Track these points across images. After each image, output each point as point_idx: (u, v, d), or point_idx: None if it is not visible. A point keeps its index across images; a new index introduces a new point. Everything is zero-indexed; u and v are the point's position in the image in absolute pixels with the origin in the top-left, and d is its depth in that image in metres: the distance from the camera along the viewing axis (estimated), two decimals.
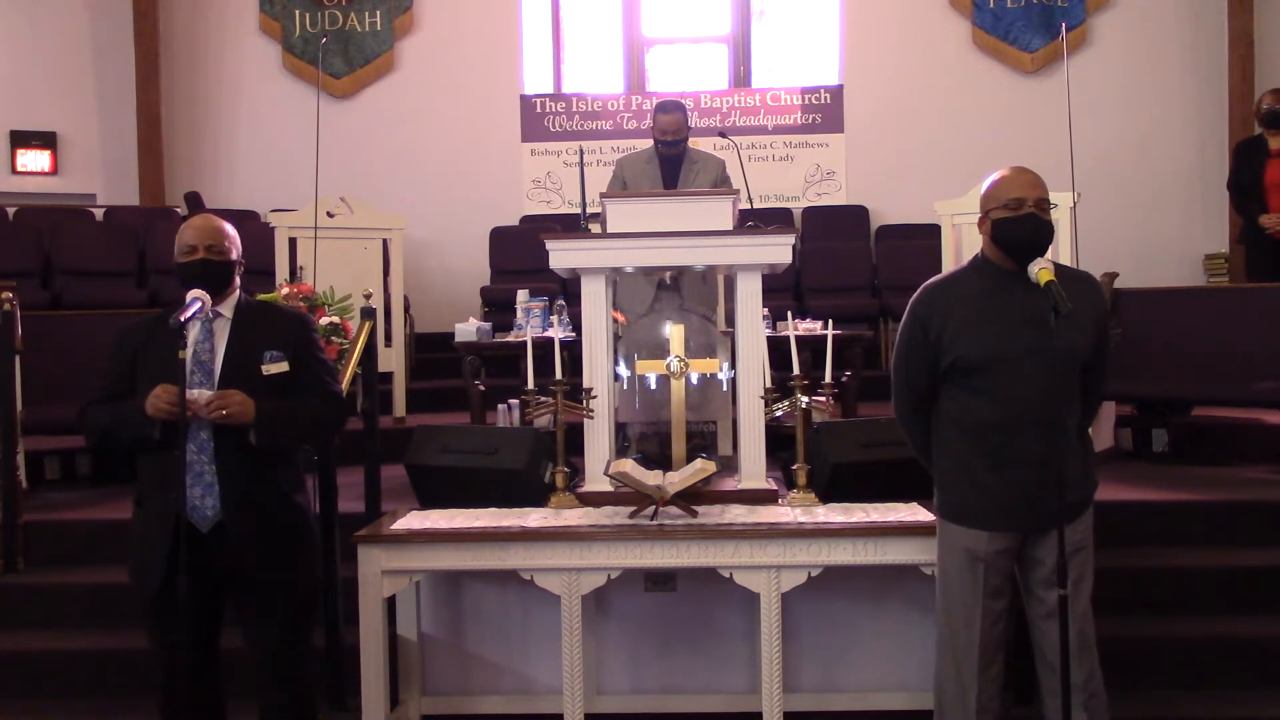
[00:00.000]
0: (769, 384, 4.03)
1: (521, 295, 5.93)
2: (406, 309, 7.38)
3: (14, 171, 9.40)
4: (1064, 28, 7.90)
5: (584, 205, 4.87)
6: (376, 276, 6.52)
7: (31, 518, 4.67)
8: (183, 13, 9.62)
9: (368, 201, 6.90)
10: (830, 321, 4.42)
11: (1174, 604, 4.17)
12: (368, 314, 4.35)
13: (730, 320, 4.35)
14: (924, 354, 3.05)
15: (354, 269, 6.24)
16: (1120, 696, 3.28)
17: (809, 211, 9.31)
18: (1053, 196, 2.98)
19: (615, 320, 4.43)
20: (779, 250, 3.92)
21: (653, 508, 3.61)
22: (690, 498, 3.65)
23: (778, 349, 5.02)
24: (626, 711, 3.95)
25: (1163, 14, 9.20)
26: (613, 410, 4.11)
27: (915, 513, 3.62)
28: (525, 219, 9.34)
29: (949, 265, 6.29)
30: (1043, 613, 3.03)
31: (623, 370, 4.27)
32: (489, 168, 9.43)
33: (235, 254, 3.13)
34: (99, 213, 9.12)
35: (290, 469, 3.18)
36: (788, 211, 9.13)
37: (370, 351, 4.34)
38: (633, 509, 3.64)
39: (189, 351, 3.00)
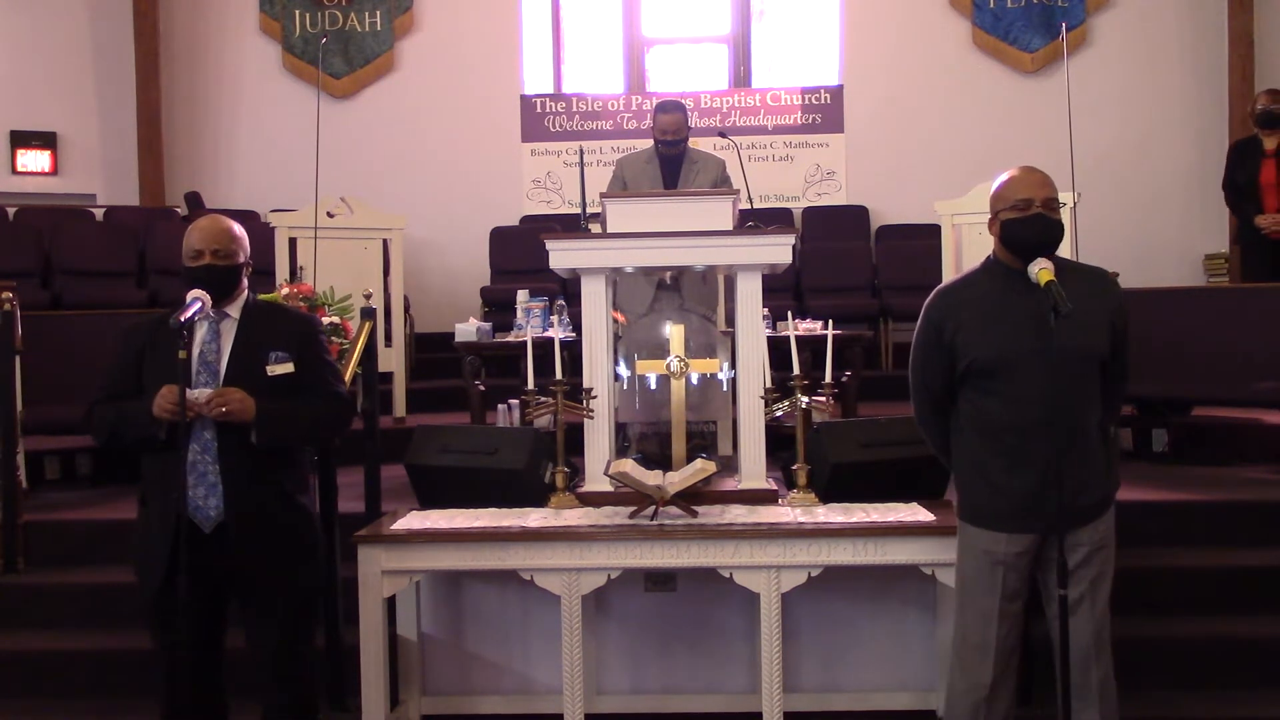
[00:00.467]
0: (769, 384, 4.03)
1: (521, 295, 5.93)
2: (406, 309, 7.38)
3: (14, 171, 9.40)
4: (1064, 28, 7.89)
5: (584, 205, 4.87)
6: (376, 276, 6.52)
7: (31, 518, 4.67)
8: (183, 13, 9.62)
9: (368, 201, 6.91)
10: (830, 321, 4.42)
11: (1174, 604, 4.17)
12: (368, 314, 4.35)
13: (730, 320, 4.35)
14: (939, 357, 3.05)
15: (354, 269, 6.25)
16: (1121, 696, 3.27)
17: (809, 211, 9.31)
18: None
19: (615, 320, 4.43)
20: (779, 250, 3.92)
21: (653, 508, 3.61)
22: (690, 498, 3.65)
23: (778, 349, 5.03)
24: (626, 711, 3.95)
25: (1163, 14, 9.20)
26: (613, 410, 4.11)
27: (915, 513, 3.62)
28: (525, 219, 9.34)
29: (949, 265, 6.30)
30: (1060, 613, 3.02)
31: (623, 370, 4.27)
32: (489, 168, 9.43)
33: (243, 256, 3.13)
34: (99, 213, 9.12)
35: (294, 470, 3.19)
36: (788, 211, 9.13)
37: (370, 351, 4.34)
38: (633, 509, 3.64)
39: (195, 352, 3.01)
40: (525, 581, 3.58)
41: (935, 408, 3.14)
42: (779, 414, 3.90)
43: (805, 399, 3.81)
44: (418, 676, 3.95)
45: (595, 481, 3.94)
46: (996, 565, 3.00)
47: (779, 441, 4.58)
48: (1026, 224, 2.96)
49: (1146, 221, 8.96)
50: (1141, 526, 4.49)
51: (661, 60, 9.89)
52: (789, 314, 4.23)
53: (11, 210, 8.78)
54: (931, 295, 3.14)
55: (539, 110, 9.57)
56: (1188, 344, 5.58)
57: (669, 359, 3.99)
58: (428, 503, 4.10)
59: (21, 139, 9.39)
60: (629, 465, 3.74)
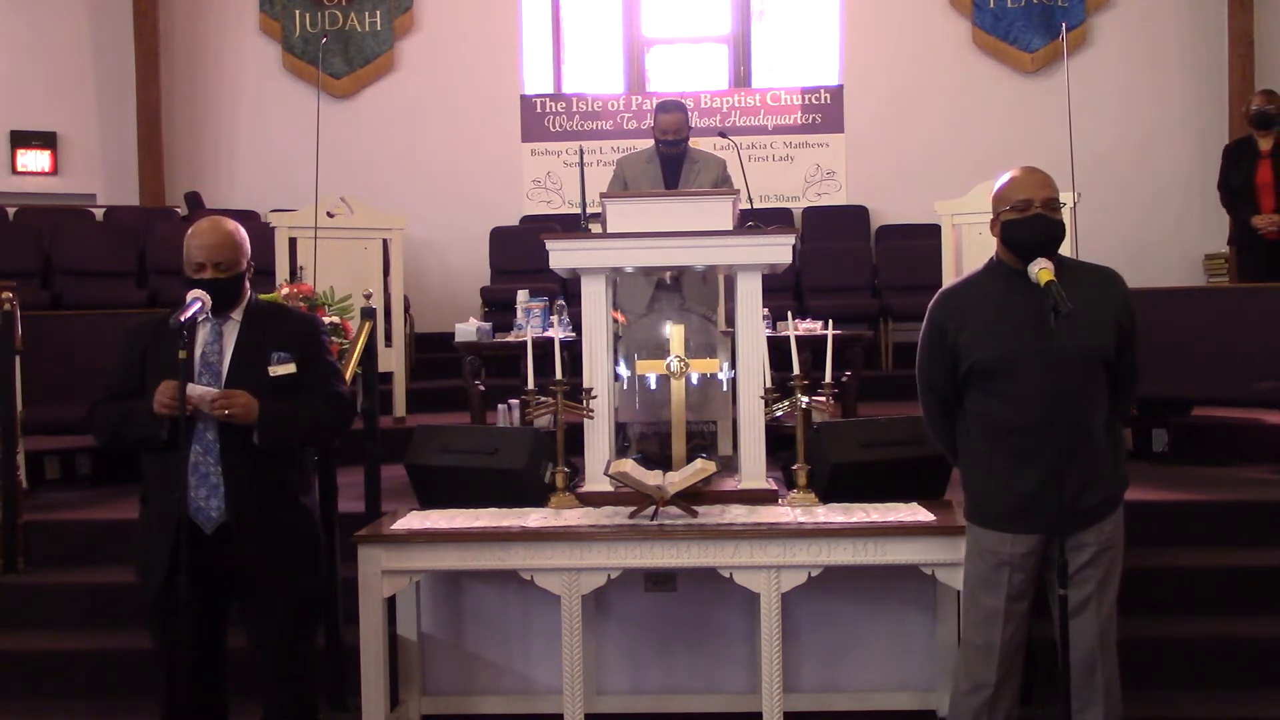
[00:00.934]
0: (769, 384, 4.03)
1: (521, 295, 5.93)
2: (406, 309, 7.38)
3: (14, 171, 9.40)
4: (1064, 28, 7.89)
5: (584, 205, 4.87)
6: (376, 276, 6.52)
7: (31, 518, 4.67)
8: (183, 13, 9.62)
9: (368, 201, 6.91)
10: (830, 321, 4.42)
11: (1174, 604, 4.17)
12: (368, 314, 4.35)
13: (730, 320, 4.35)
14: (943, 358, 3.06)
15: (354, 269, 6.25)
16: (1121, 696, 3.27)
17: (809, 211, 9.31)
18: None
19: (615, 320, 4.43)
20: (779, 250, 3.92)
21: (653, 508, 3.60)
22: (690, 498, 3.65)
23: (778, 349, 5.03)
24: (626, 711, 3.95)
25: (1163, 14, 9.20)
26: (613, 410, 4.11)
27: (915, 513, 3.62)
28: (525, 219, 9.34)
29: (949, 265, 6.30)
30: (1060, 613, 3.02)
31: (623, 370, 4.27)
32: (489, 168, 9.42)
33: (245, 260, 3.12)
34: (99, 213, 9.12)
35: (297, 470, 3.19)
36: (788, 211, 9.13)
37: (370, 351, 4.34)
38: (633, 509, 3.64)
39: (197, 352, 3.01)
40: (525, 581, 3.58)
41: (943, 408, 3.14)
42: (779, 414, 3.90)
43: (805, 399, 3.81)
44: (418, 676, 3.95)
45: (595, 481, 3.94)
46: (1002, 565, 3.00)
47: (779, 441, 4.57)
48: (1026, 225, 2.97)
49: (1146, 221, 8.96)
50: (1141, 526, 4.47)
51: (661, 60, 9.89)
52: (789, 314, 4.23)
53: (11, 210, 8.78)
54: (935, 296, 3.14)
55: (539, 110, 9.56)
56: (1188, 344, 5.58)
57: (669, 359, 3.99)
58: (428, 503, 4.10)
59: (21, 139, 9.39)
60: (629, 465, 3.74)
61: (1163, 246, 8.86)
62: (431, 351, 7.79)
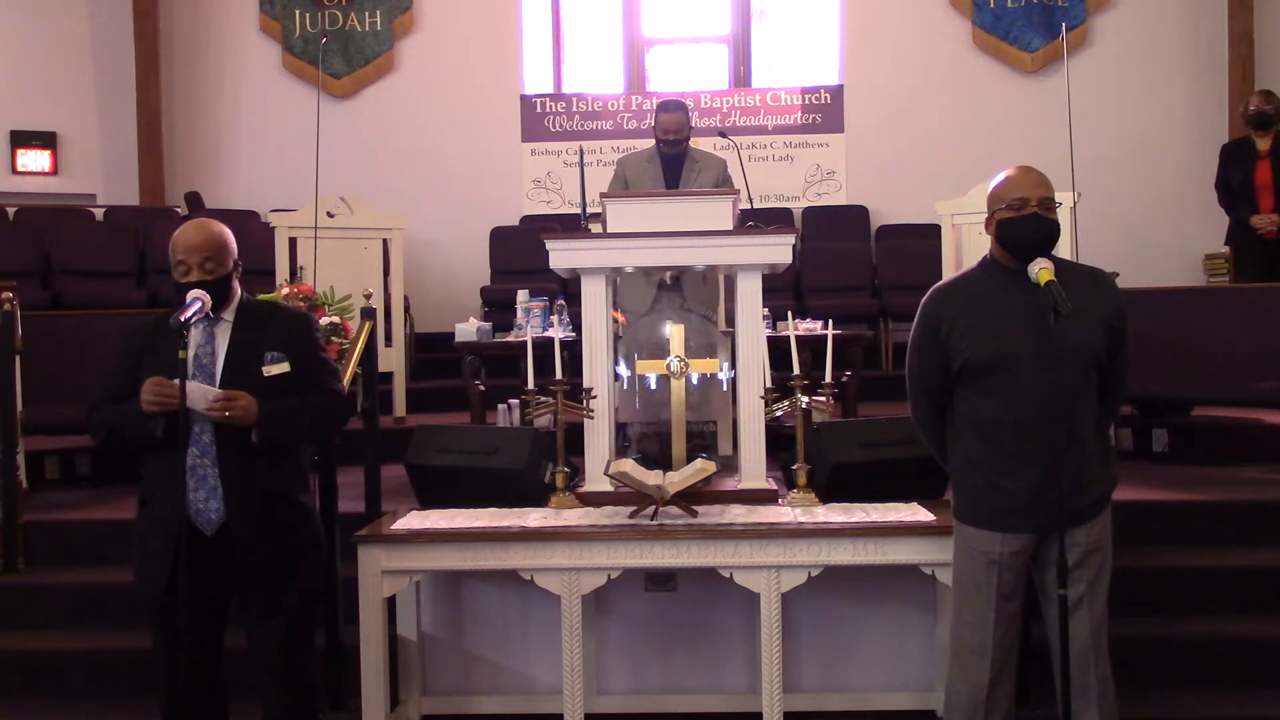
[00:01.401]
0: (769, 384, 4.03)
1: (521, 295, 5.93)
2: (406, 309, 7.38)
3: (14, 171, 9.40)
4: (1064, 28, 7.89)
5: (584, 205, 4.87)
6: (376, 276, 6.52)
7: (31, 518, 4.67)
8: (183, 13, 9.62)
9: (368, 201, 6.90)
10: (830, 321, 4.42)
11: (1174, 604, 4.17)
12: (368, 314, 4.35)
13: (730, 320, 4.35)
14: (935, 356, 3.06)
15: (354, 269, 6.25)
16: (1120, 696, 3.27)
17: (809, 211, 9.31)
18: (1056, 196, 2.97)
19: (615, 320, 4.43)
20: (779, 250, 3.92)
21: (653, 508, 3.60)
22: (690, 498, 3.65)
23: (778, 349, 5.02)
24: (626, 711, 3.95)
25: (1163, 14, 9.20)
26: (613, 410, 4.11)
27: (915, 513, 3.62)
28: (525, 219, 9.34)
29: (949, 265, 6.30)
30: (1059, 613, 3.02)
31: (623, 370, 4.27)
32: (489, 168, 9.42)
33: (232, 260, 3.09)
34: (99, 213, 9.12)
35: (294, 469, 3.18)
36: (788, 211, 9.13)
37: (370, 351, 4.34)
38: (633, 509, 3.64)
39: (190, 355, 2.99)
40: (525, 581, 3.58)
41: (932, 407, 3.14)
42: (779, 414, 3.90)
43: (805, 399, 3.81)
44: (418, 676, 3.95)
45: (595, 481, 3.94)
46: (992, 565, 3.00)
47: (779, 441, 4.58)
48: (1021, 224, 2.97)
49: (1146, 221, 8.96)
50: (1141, 526, 4.49)
51: (661, 60, 9.89)
52: (789, 314, 4.22)
53: (11, 210, 8.78)
54: (928, 293, 3.14)
55: (539, 110, 9.56)
56: (1188, 344, 5.58)
57: (669, 359, 3.99)
58: (428, 503, 4.10)
59: (21, 139, 9.39)
60: (629, 465, 3.74)
61: (1163, 246, 8.86)
62: (431, 351, 7.80)
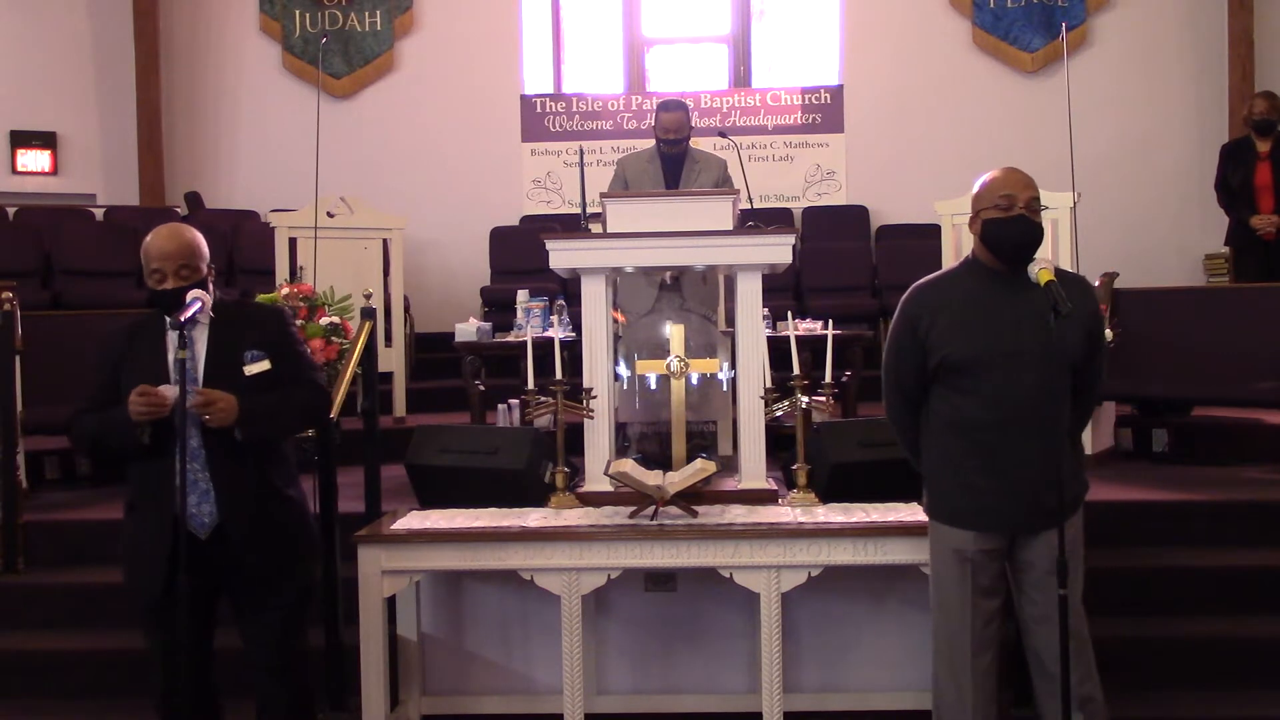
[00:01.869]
0: (769, 384, 4.03)
1: (521, 295, 5.93)
2: (406, 309, 7.38)
3: (14, 171, 9.39)
4: (1064, 28, 7.89)
5: (584, 205, 4.87)
6: (376, 276, 6.52)
7: (31, 518, 4.67)
8: (183, 13, 9.62)
9: (368, 201, 6.90)
10: (830, 321, 4.43)
11: (1174, 604, 4.17)
12: (368, 314, 4.35)
13: (730, 320, 4.35)
14: (913, 353, 3.06)
15: (354, 269, 6.25)
16: (1120, 696, 3.28)
17: (809, 211, 9.31)
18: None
19: (615, 320, 4.43)
20: (779, 250, 3.93)
21: (653, 508, 3.61)
22: (690, 498, 3.65)
23: (778, 349, 5.03)
24: (626, 711, 3.95)
25: (1163, 14, 9.20)
26: (613, 410, 4.11)
27: (915, 513, 3.61)
28: (525, 219, 9.34)
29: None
30: (1035, 614, 3.03)
31: (623, 370, 4.27)
32: (489, 168, 9.42)
33: (205, 265, 3.08)
34: (99, 213, 9.11)
35: (282, 464, 3.18)
36: (788, 211, 9.13)
37: (370, 351, 4.34)
38: (633, 509, 3.64)
39: (170, 359, 2.99)
40: (525, 581, 3.58)
41: (907, 404, 3.14)
42: (779, 414, 3.90)
43: (805, 399, 3.81)
44: (418, 676, 3.95)
45: (595, 481, 3.94)
46: (965, 562, 3.01)
47: (779, 441, 4.58)
48: (1009, 224, 2.97)
49: (1147, 221, 8.96)
50: (1141, 526, 4.50)
51: (661, 60, 9.89)
52: (789, 314, 4.23)
53: (11, 210, 8.78)
54: (909, 291, 3.14)
55: (539, 110, 9.56)
56: (1188, 344, 5.59)
57: (669, 359, 3.99)
58: (428, 503, 4.10)
59: (21, 139, 9.39)
60: (629, 465, 3.74)
61: (1163, 246, 8.86)
62: (431, 351, 7.80)
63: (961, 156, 8.74)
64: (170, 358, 3.00)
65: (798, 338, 4.01)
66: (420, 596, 3.95)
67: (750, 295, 3.95)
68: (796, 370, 3.84)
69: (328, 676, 3.87)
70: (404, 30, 9.60)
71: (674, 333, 4.05)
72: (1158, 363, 5.59)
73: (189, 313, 2.90)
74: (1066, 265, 5.35)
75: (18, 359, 4.69)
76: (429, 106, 9.44)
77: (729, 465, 4.17)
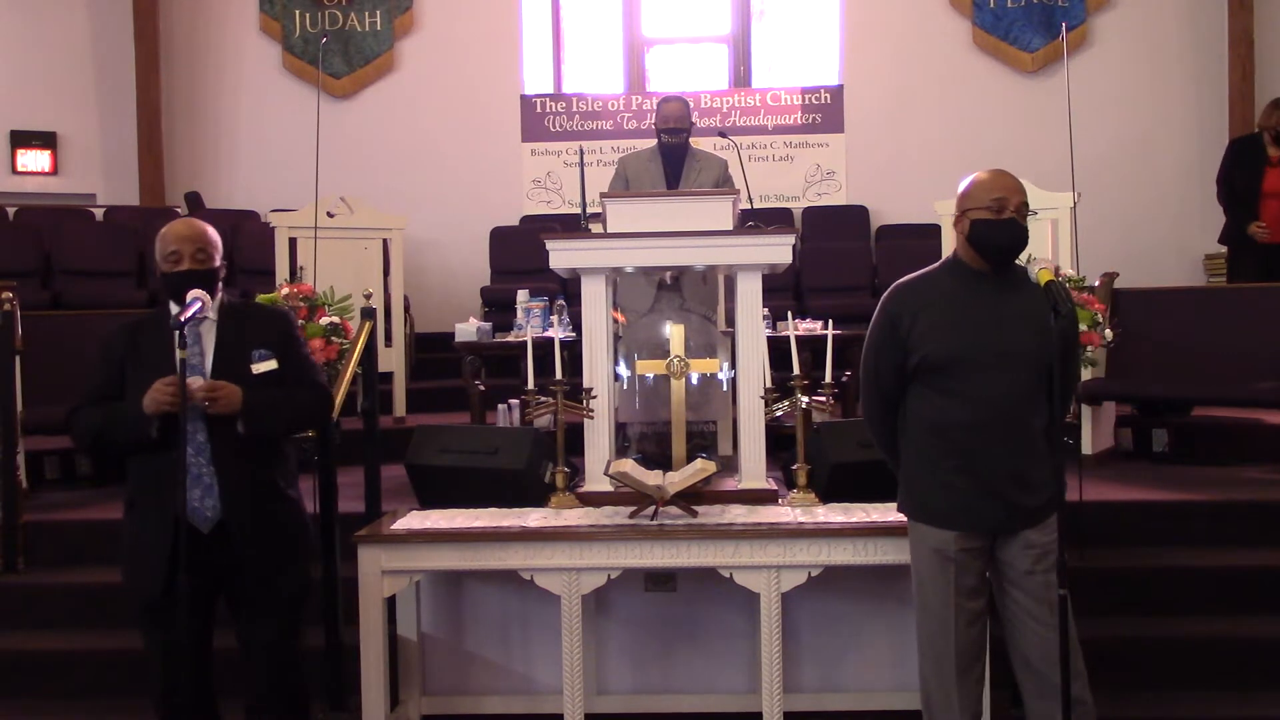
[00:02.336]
0: (769, 384, 4.03)
1: (521, 295, 5.93)
2: (406, 309, 7.38)
3: (14, 171, 9.40)
4: (1064, 28, 7.88)
5: (584, 205, 4.87)
6: (376, 276, 6.52)
7: (31, 518, 4.67)
8: (183, 13, 9.62)
9: (368, 201, 6.90)
10: (830, 321, 4.42)
11: (1174, 604, 4.17)
12: (368, 314, 4.35)
13: (730, 320, 4.35)
14: (893, 352, 3.05)
15: (354, 269, 6.25)
16: (1120, 696, 3.28)
17: (809, 211, 9.31)
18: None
19: (615, 320, 4.43)
20: (779, 250, 3.92)
21: (653, 508, 3.61)
22: (690, 498, 3.65)
23: (778, 349, 5.02)
24: (626, 711, 3.95)
25: (1163, 14, 9.20)
26: (613, 410, 4.11)
27: None
28: (525, 219, 9.34)
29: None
30: (1016, 613, 3.03)
31: (623, 370, 4.27)
32: (489, 168, 9.43)
33: (219, 259, 3.14)
34: (99, 213, 9.12)
35: (284, 464, 3.21)
36: (788, 211, 9.13)
37: (370, 351, 4.34)
38: (633, 509, 3.64)
39: (177, 355, 3.00)
40: (525, 581, 3.58)
41: (885, 403, 3.14)
42: (779, 414, 3.90)
43: (805, 399, 3.81)
44: (418, 676, 3.95)
45: (595, 481, 3.94)
46: (947, 561, 3.01)
47: (779, 441, 4.58)
48: (1000, 227, 2.96)
49: (1147, 221, 8.97)
50: (1141, 526, 4.50)
51: (661, 60, 9.89)
52: (789, 314, 4.23)
53: (11, 210, 8.78)
54: (890, 290, 3.13)
55: (539, 110, 9.56)
56: (1188, 344, 5.59)
57: (669, 359, 3.99)
58: (428, 503, 4.10)
59: (21, 139, 9.40)
60: (629, 465, 3.74)
61: (1163, 246, 8.86)
62: (431, 351, 7.79)
63: (961, 156, 8.71)
64: (177, 355, 3.01)
65: (798, 338, 4.01)
66: (420, 596, 3.95)
67: (750, 295, 3.95)
68: (796, 370, 3.84)
69: (328, 676, 3.87)
70: (404, 30, 9.60)
71: (674, 333, 4.05)
72: (1158, 363, 5.59)
73: (189, 313, 2.91)
74: (1066, 265, 5.36)
75: (18, 359, 4.69)
76: (429, 106, 9.44)
77: (729, 465, 4.17)
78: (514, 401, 5.46)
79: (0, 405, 4.59)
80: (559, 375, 3.88)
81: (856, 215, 9.27)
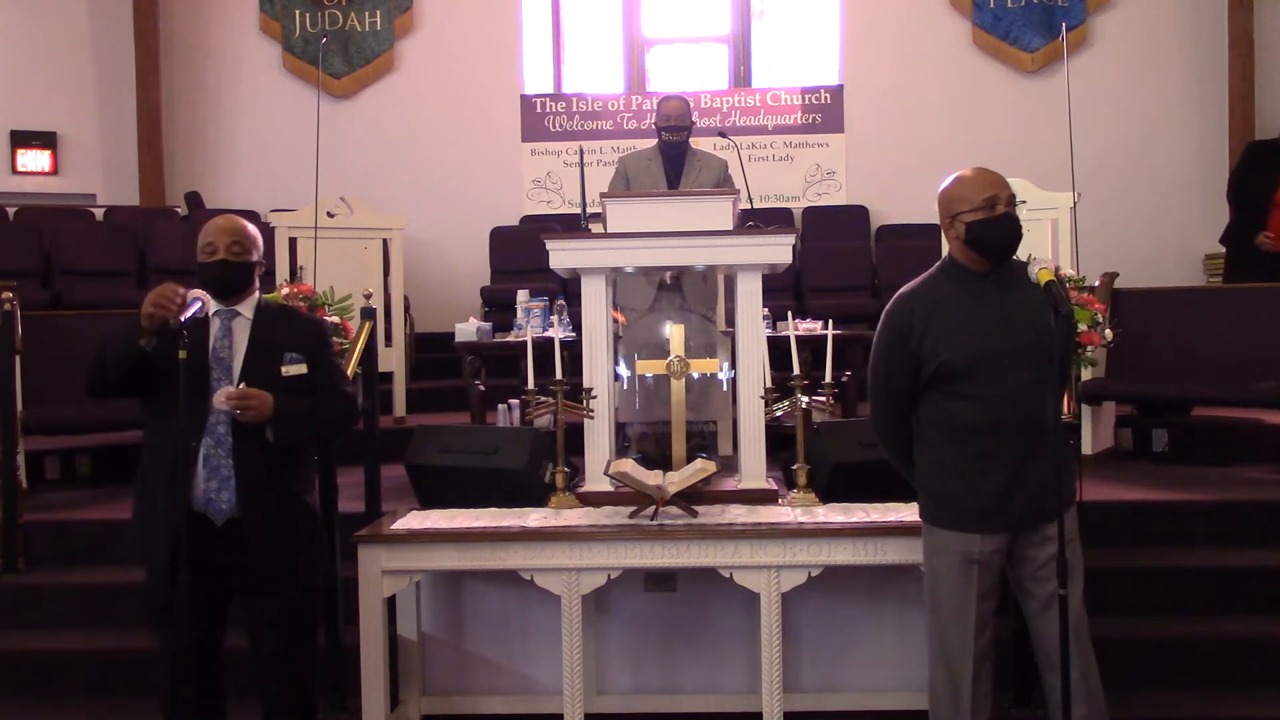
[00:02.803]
0: (769, 384, 4.02)
1: (521, 295, 5.93)
2: (406, 309, 7.38)
3: (14, 171, 9.40)
4: (1064, 28, 7.89)
5: (584, 205, 4.87)
6: (376, 276, 6.52)
7: (31, 518, 4.67)
8: (183, 13, 9.62)
9: (368, 201, 6.90)
10: (830, 321, 4.42)
11: (1174, 604, 4.17)
12: (368, 314, 4.36)
13: (730, 320, 4.35)
14: (905, 363, 3.04)
15: (354, 269, 6.25)
16: (1120, 696, 3.27)
17: (809, 211, 9.31)
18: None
19: (615, 320, 4.43)
20: (779, 250, 3.92)
21: (653, 508, 3.60)
22: (690, 498, 3.65)
23: (778, 349, 5.02)
24: (626, 711, 3.95)
25: (1163, 14, 9.20)
26: (613, 410, 4.11)
27: (915, 512, 3.60)
28: (525, 219, 9.34)
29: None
30: (1036, 608, 3.04)
31: (623, 370, 4.27)
32: (489, 168, 9.43)
33: (256, 255, 3.16)
34: (99, 213, 9.12)
35: (302, 470, 3.21)
36: (788, 211, 9.13)
37: (370, 351, 4.34)
38: (633, 509, 3.64)
39: (209, 347, 3.04)
40: (525, 581, 3.58)
41: (897, 413, 3.12)
42: (779, 414, 3.90)
43: (805, 399, 3.81)
44: (418, 676, 3.95)
45: (595, 481, 3.94)
46: (971, 565, 3.00)
47: (779, 441, 4.57)
48: (996, 224, 2.96)
49: (1147, 221, 8.97)
50: (1141, 526, 4.50)
51: (661, 60, 9.89)
52: (789, 314, 4.22)
53: (11, 210, 8.78)
54: (893, 300, 3.11)
55: (539, 110, 9.57)
56: (1188, 344, 5.58)
57: (669, 359, 3.99)
58: (428, 503, 4.10)
59: (21, 139, 9.40)
60: (629, 465, 3.73)
61: (1163, 246, 8.86)
62: (431, 351, 7.79)
63: (961, 156, 8.63)
64: (210, 346, 3.04)
65: (798, 338, 4.01)
66: (420, 596, 3.95)
67: (750, 295, 3.94)
68: (796, 370, 3.84)
69: (328, 676, 3.87)
70: (404, 30, 9.60)
71: (674, 333, 4.05)
72: (1158, 363, 5.59)
73: (188, 313, 2.91)
74: (1066, 265, 5.35)
75: (18, 359, 4.69)
76: (429, 106, 9.44)
77: (729, 465, 4.17)
78: (514, 401, 5.46)
79: (0, 405, 4.59)
80: (559, 375, 3.88)
81: (856, 215, 9.27)
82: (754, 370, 3.92)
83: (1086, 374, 5.20)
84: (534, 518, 3.67)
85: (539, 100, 9.58)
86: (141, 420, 3.18)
